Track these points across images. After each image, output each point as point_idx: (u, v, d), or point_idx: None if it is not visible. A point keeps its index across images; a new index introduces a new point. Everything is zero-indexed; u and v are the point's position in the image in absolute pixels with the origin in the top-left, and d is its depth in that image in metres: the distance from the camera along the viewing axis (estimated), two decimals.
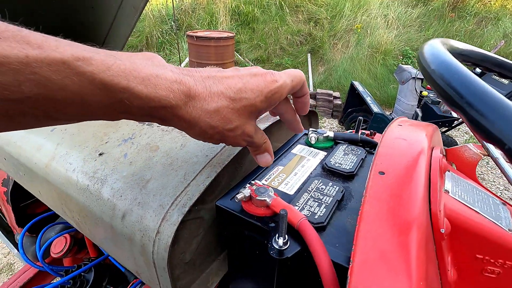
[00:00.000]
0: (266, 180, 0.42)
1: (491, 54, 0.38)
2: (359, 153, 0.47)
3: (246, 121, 0.31)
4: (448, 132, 2.97)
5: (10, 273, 1.79)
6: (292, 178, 0.42)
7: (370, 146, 0.50)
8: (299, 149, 0.50)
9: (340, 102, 3.81)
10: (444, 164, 0.35)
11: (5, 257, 1.90)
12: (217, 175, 0.38)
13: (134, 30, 4.85)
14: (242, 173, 0.47)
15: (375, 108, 2.60)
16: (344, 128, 3.41)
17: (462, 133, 3.60)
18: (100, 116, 0.25)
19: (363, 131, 0.55)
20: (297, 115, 0.38)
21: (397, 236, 0.27)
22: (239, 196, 0.35)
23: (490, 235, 0.32)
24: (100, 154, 0.45)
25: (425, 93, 2.83)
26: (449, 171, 0.37)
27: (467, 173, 0.44)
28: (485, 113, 0.18)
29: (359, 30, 4.81)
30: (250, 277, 0.40)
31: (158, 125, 0.49)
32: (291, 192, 0.39)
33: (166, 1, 5.16)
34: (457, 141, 3.20)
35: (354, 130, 0.52)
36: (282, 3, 5.01)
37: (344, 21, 4.91)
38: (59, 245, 0.73)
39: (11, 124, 0.22)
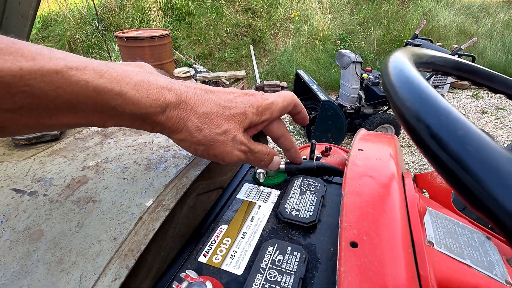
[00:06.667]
0: (205, 256, 0.31)
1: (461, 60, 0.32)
2: (318, 188, 0.38)
3: (237, 128, 0.31)
4: (390, 110, 3.14)
5: None
6: (239, 243, 0.32)
7: (329, 173, 0.42)
8: (245, 191, 0.40)
9: None
10: (422, 206, 0.28)
11: None
12: (130, 271, 0.27)
13: (52, 35, 4.22)
14: (176, 235, 0.36)
15: (322, 96, 2.63)
16: None
17: None
18: (91, 124, 0.25)
19: (318, 155, 0.47)
20: (295, 146, 0.39)
21: None
22: None
23: None
24: None
25: (365, 75, 2.94)
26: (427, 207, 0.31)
27: (441, 201, 0.38)
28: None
29: (297, 18, 4.84)
30: None
31: (45, 193, 0.35)
32: (240, 271, 0.29)
33: (87, 0, 4.60)
34: None
35: (308, 156, 0.43)
36: None
37: (281, 9, 4.90)
38: None
39: (4, 132, 0.23)
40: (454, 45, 3.34)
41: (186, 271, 0.27)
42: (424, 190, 0.40)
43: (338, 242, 0.24)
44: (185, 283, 0.25)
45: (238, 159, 0.31)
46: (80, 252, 0.28)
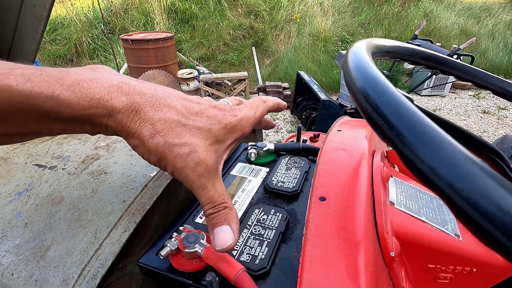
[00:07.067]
0: (201, 218, 0.36)
1: (417, 48, 0.37)
2: (302, 165, 0.43)
3: (200, 144, 0.26)
4: None
5: None
6: None
7: (314, 154, 0.47)
8: (239, 168, 0.45)
9: (289, 93, 3.87)
10: (386, 172, 0.33)
11: None
12: (137, 225, 0.32)
13: (59, 38, 4.28)
14: (177, 206, 0.41)
15: (322, 96, 2.67)
16: (296, 117, 3.47)
17: None
18: (38, 132, 0.24)
19: (304, 138, 0.52)
20: (268, 120, 0.38)
21: (346, 273, 0.24)
22: (164, 252, 0.29)
23: (439, 244, 0.30)
24: None
25: None
26: (392, 176, 0.36)
27: (409, 174, 0.43)
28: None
29: (298, 19, 4.90)
30: None
31: (64, 167, 0.40)
32: None
33: (93, 3, 4.70)
34: None
35: (296, 138, 0.48)
36: None
37: (283, 11, 4.96)
38: None
39: None
40: (453, 45, 3.37)
41: (184, 225, 0.32)
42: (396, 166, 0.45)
43: (309, 198, 0.29)
44: (183, 234, 0.30)
45: (187, 182, 0.26)
46: (95, 212, 0.34)
